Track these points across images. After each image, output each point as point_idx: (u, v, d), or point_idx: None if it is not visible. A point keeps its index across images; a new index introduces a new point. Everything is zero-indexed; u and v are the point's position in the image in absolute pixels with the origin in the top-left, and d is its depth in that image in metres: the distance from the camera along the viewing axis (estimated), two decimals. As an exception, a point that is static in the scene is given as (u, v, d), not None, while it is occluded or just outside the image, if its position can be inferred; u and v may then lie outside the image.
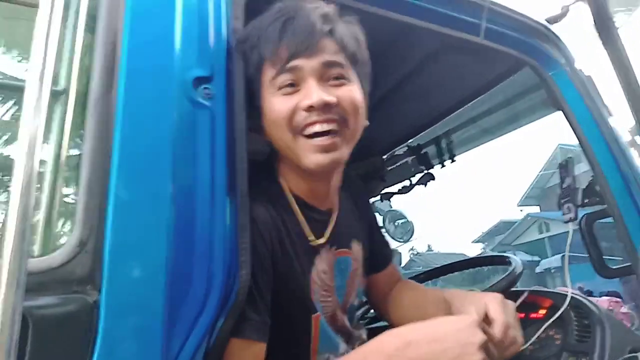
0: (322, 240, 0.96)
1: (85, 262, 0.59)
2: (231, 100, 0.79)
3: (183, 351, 0.64)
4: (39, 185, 0.62)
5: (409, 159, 2.34)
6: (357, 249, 1.06)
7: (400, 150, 2.36)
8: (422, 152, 2.30)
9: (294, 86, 0.85)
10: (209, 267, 0.68)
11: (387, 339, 0.75)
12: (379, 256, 1.21)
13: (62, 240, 0.60)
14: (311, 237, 0.94)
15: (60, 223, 0.63)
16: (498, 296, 0.89)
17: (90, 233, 0.60)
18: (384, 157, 2.42)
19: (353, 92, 0.88)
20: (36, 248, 0.61)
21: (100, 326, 0.57)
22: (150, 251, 0.63)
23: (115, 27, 0.71)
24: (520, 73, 1.46)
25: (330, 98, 0.83)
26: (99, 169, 0.63)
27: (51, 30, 0.54)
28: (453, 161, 2.26)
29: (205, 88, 0.76)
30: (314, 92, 0.83)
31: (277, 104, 0.86)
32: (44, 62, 0.54)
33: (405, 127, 2.12)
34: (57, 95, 0.68)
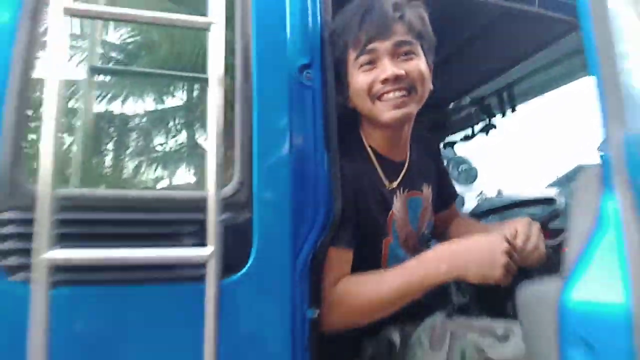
0: (394, 185, 1.24)
1: (244, 194, 0.94)
2: (325, 80, 1.08)
3: (299, 258, 0.97)
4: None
5: (472, 109, 2.51)
6: (427, 191, 1.33)
7: (463, 101, 2.53)
8: (485, 103, 2.46)
9: (371, 64, 1.12)
10: (314, 198, 1.01)
11: (439, 250, 1.04)
12: (445, 196, 1.48)
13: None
14: (386, 182, 1.23)
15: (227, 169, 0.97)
16: (525, 218, 1.10)
17: (246, 176, 0.94)
18: (448, 108, 2.60)
19: (420, 65, 1.13)
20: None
21: (254, 234, 0.93)
22: (280, 189, 0.97)
23: (247, 32, 1.01)
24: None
25: (401, 72, 1.09)
26: (247, 135, 0.96)
27: (224, 41, 0.84)
28: (514, 111, 2.40)
29: (307, 73, 1.05)
30: (388, 68, 1.10)
31: (359, 79, 1.13)
32: (218, 66, 0.84)
33: (469, 81, 2.28)
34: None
